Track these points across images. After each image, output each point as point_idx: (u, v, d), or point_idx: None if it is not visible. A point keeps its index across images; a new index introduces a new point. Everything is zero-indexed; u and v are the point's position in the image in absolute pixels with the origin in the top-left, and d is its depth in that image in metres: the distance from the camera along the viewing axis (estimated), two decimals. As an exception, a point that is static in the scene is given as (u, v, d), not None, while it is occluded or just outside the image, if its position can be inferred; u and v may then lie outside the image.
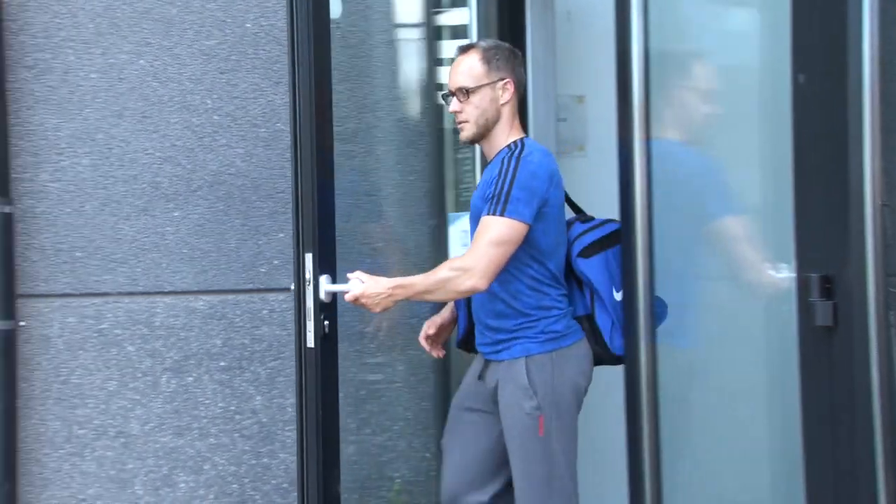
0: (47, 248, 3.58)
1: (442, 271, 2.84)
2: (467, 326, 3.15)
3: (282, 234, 3.91)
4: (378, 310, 2.84)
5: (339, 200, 4.01)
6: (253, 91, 3.88)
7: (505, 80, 2.96)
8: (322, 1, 3.08)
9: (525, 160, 2.87)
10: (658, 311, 2.99)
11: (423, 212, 4.09)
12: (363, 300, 2.84)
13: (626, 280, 2.93)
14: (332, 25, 4.00)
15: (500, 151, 2.98)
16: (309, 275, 2.92)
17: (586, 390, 3.00)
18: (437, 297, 2.92)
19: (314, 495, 2.96)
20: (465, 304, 3.12)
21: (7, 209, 3.45)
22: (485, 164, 3.15)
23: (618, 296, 2.99)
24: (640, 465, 2.96)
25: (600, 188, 3.37)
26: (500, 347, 2.97)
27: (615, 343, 2.99)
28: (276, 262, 3.82)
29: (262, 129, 3.89)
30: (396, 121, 4.18)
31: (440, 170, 4.25)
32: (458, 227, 3.73)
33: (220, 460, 3.79)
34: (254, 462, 3.84)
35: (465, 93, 2.94)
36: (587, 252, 2.99)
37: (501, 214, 2.79)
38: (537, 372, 2.90)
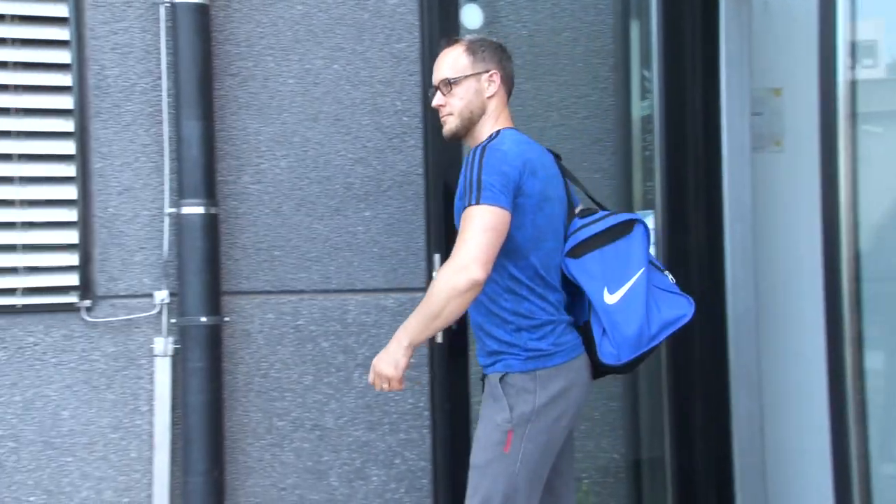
0: (248, 248, 3.68)
1: (434, 286, 2.55)
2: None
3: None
4: (401, 371, 2.60)
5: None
6: (442, 92, 3.88)
7: (490, 72, 2.79)
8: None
9: (491, 148, 2.60)
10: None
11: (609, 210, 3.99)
12: (379, 370, 2.63)
13: (830, 282, 2.75)
14: (518, 24, 3.96)
15: None
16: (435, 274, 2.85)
17: (577, 411, 2.74)
18: (445, 313, 2.53)
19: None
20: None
21: (213, 210, 3.56)
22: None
23: (611, 298, 2.65)
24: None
25: (799, 185, 3.19)
26: (489, 361, 2.76)
27: (603, 351, 2.67)
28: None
29: (451, 130, 3.88)
30: (582, 119, 4.09)
31: (627, 167, 4.14)
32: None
33: (410, 455, 3.80)
34: (443, 457, 3.83)
35: (449, 84, 2.77)
36: (578, 250, 2.71)
37: (478, 203, 2.52)
38: (516, 391, 2.65)
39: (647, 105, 3.94)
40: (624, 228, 2.71)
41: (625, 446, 4.00)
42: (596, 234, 2.69)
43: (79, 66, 3.53)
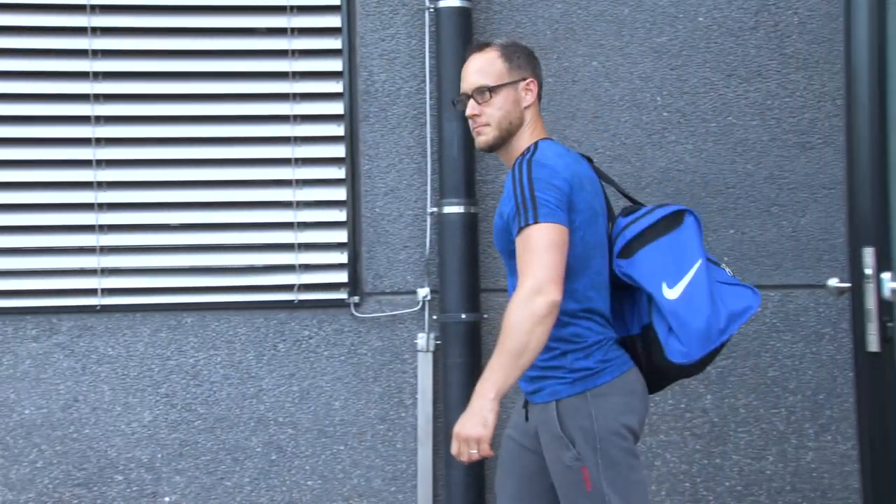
0: (508, 246, 3.66)
1: (509, 319, 2.25)
2: None
3: (731, 231, 3.67)
4: (491, 430, 2.22)
5: (792, 194, 3.69)
6: (703, 86, 3.68)
7: (528, 80, 2.49)
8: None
9: (537, 162, 2.34)
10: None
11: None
12: (466, 435, 2.24)
13: None
14: (789, 11, 3.68)
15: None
16: (870, 271, 2.47)
17: (641, 428, 2.42)
18: (531, 346, 2.23)
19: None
20: None
21: (472, 209, 3.57)
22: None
23: (672, 292, 2.35)
24: None
25: None
26: (532, 387, 2.45)
27: (672, 349, 2.36)
28: (726, 258, 3.59)
29: (713, 124, 3.68)
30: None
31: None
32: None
33: (671, 457, 3.64)
34: (705, 462, 3.64)
35: (486, 93, 2.45)
36: (629, 249, 2.42)
37: (536, 221, 2.27)
38: (570, 417, 2.36)
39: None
40: (674, 220, 2.45)
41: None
42: (645, 230, 2.43)
43: (349, 74, 3.65)
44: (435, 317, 3.61)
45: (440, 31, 3.58)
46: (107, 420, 3.58)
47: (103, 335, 3.60)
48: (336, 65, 3.66)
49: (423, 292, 3.62)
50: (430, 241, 3.62)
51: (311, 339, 3.65)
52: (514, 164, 2.38)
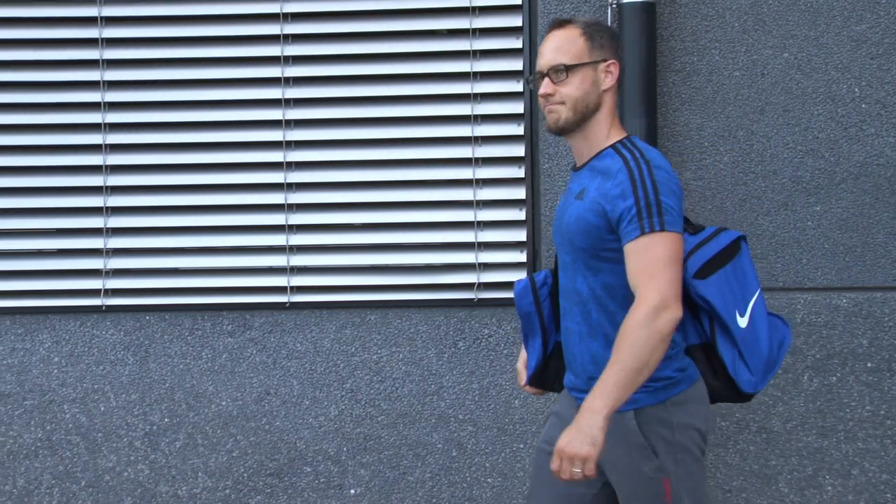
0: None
1: (631, 335, 2.06)
2: (540, 358, 2.47)
3: (938, 229, 3.30)
4: (599, 449, 2.04)
5: None
6: (906, 74, 3.33)
7: (608, 62, 2.27)
8: None
9: (654, 165, 2.16)
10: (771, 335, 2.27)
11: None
12: (572, 452, 2.04)
13: None
14: None
15: (604, 151, 2.28)
16: None
17: (707, 438, 2.29)
18: (652, 363, 2.07)
19: None
20: (540, 333, 2.45)
21: (654, 207, 3.35)
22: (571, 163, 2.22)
23: (743, 320, 2.24)
24: None
25: None
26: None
27: (742, 377, 2.24)
28: (931, 259, 3.24)
29: (916, 115, 3.32)
30: None
31: None
32: None
33: (870, 466, 3.32)
34: (907, 473, 3.30)
35: (563, 71, 2.23)
36: (705, 271, 2.23)
37: (662, 229, 2.09)
38: (652, 427, 2.20)
39: None
40: (735, 246, 2.33)
41: None
42: (718, 254, 2.27)
43: (530, 73, 3.49)
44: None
45: (623, 28, 3.37)
46: (296, 413, 3.57)
47: (292, 331, 3.59)
48: (517, 64, 3.51)
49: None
50: (611, 240, 3.43)
51: (490, 337, 3.52)
52: (624, 159, 2.19)
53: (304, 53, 3.59)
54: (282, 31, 3.57)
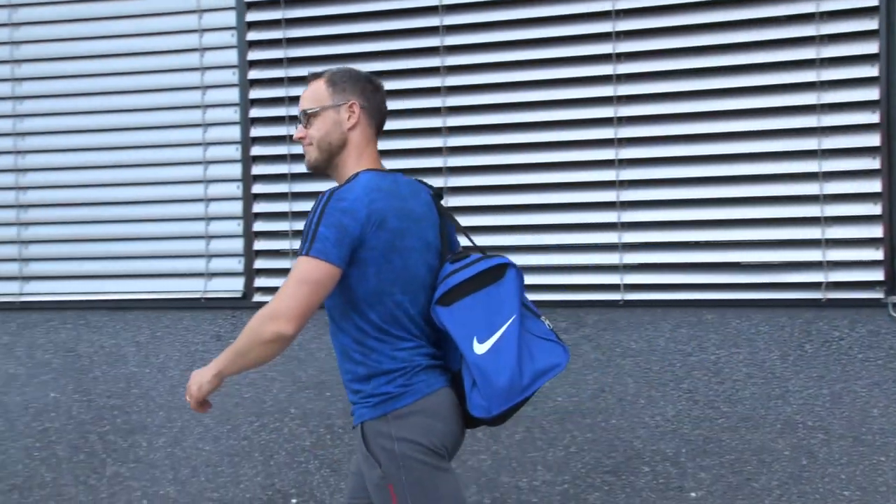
0: None
1: (248, 324, 2.31)
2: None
3: None
4: (203, 394, 2.39)
5: None
6: None
7: (350, 103, 2.45)
8: None
9: (337, 197, 2.32)
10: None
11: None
12: (188, 385, 2.43)
13: None
14: None
15: None
16: None
17: (451, 446, 2.40)
18: (251, 356, 2.32)
19: None
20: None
21: None
22: None
23: (481, 347, 2.31)
24: None
25: None
26: (352, 411, 2.44)
27: (474, 403, 2.32)
28: None
29: None
30: None
31: None
32: None
33: None
34: None
35: (308, 115, 2.47)
36: (448, 298, 2.36)
37: (307, 253, 2.27)
38: (374, 438, 2.36)
39: None
40: (496, 273, 2.38)
41: None
42: (465, 280, 2.36)
43: (887, 56, 3.14)
44: None
45: None
46: (632, 412, 3.47)
47: (626, 329, 3.49)
48: (871, 47, 3.16)
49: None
50: None
51: (841, 340, 3.23)
52: (321, 195, 2.34)
53: (636, 49, 3.43)
54: (614, 28, 3.44)
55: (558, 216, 3.56)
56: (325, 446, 3.76)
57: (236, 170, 3.86)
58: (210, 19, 3.85)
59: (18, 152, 4.05)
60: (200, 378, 2.40)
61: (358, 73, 2.50)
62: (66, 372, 3.99)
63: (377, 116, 2.50)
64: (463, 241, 2.62)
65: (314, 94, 2.48)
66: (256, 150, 3.84)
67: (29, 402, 4.02)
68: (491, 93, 3.59)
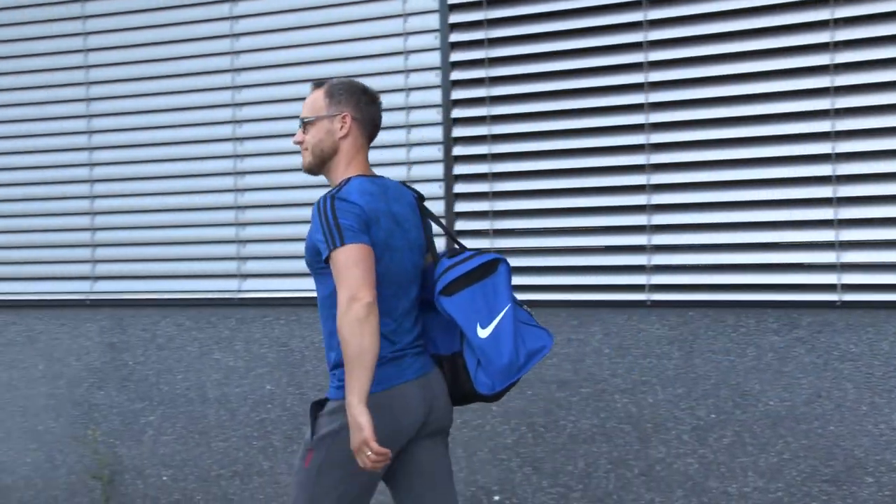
0: None
1: (340, 333, 2.39)
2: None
3: None
4: (370, 431, 2.34)
5: None
6: None
7: (343, 115, 2.62)
8: None
9: (339, 197, 2.50)
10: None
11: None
12: (355, 447, 2.38)
13: None
14: None
15: None
16: None
17: (388, 442, 2.48)
18: (364, 345, 2.37)
19: None
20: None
21: None
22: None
23: (484, 332, 2.53)
24: None
25: None
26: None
27: (479, 381, 2.56)
28: None
29: None
30: None
31: None
32: None
33: None
34: None
35: (305, 123, 2.65)
36: (450, 289, 2.55)
37: (343, 244, 2.43)
38: (328, 413, 2.55)
39: None
40: (490, 267, 2.61)
41: None
42: (466, 273, 2.58)
43: None
44: None
45: None
46: (852, 419, 3.28)
47: (844, 332, 3.30)
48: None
49: None
50: None
51: None
52: (319, 199, 2.50)
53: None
54: (832, 38, 3.26)
55: (768, 214, 3.43)
56: (526, 444, 3.76)
57: (438, 170, 3.90)
58: (414, 22, 3.91)
59: (237, 156, 4.25)
60: (352, 427, 2.36)
61: (354, 86, 2.66)
62: (280, 365, 4.16)
63: (369, 127, 2.67)
64: (464, 242, 2.83)
65: (312, 104, 2.66)
66: (458, 151, 3.87)
67: (247, 394, 4.22)
68: (692, 87, 3.48)
